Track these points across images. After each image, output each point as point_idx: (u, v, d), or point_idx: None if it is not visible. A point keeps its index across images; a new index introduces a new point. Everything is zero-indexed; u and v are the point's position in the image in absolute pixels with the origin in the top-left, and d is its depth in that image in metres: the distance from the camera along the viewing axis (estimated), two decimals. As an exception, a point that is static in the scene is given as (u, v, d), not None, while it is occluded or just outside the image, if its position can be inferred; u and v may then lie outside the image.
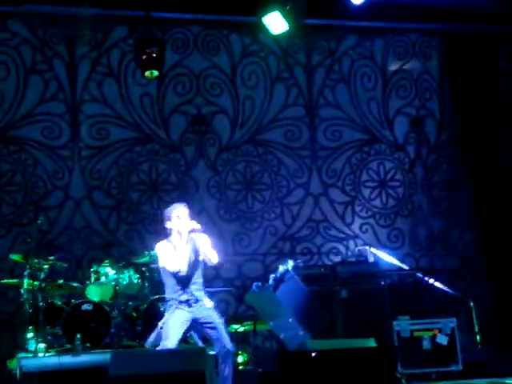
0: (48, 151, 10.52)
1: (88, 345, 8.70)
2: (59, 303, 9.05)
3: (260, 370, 6.08)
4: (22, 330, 9.39)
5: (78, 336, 8.61)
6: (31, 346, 8.60)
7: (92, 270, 9.49)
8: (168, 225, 7.30)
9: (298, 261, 7.72)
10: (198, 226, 7.15)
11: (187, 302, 7.13)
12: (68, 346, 8.74)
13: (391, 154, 11.71)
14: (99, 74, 10.79)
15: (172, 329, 7.02)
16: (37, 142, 10.50)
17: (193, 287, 7.18)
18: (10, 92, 10.50)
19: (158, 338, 7.06)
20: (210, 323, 7.11)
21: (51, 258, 9.28)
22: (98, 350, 8.70)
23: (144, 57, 10.15)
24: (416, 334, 9.07)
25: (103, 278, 9.38)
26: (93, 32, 10.78)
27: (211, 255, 7.15)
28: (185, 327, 7.09)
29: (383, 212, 11.55)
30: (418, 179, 11.72)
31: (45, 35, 10.64)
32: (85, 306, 8.97)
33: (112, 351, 7.63)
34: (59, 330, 8.88)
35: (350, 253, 11.12)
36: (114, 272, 9.43)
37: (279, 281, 7.31)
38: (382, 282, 9.39)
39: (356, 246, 11.19)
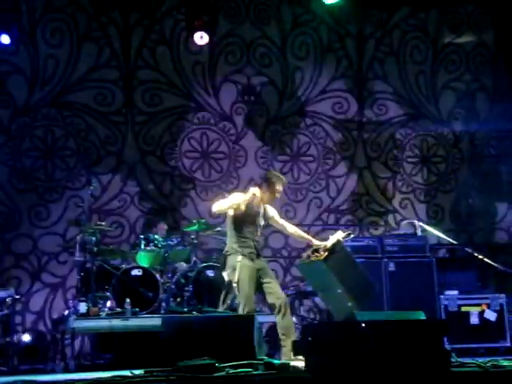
0: (101, 117, 10.62)
1: (137, 309, 8.83)
2: (110, 268, 9.17)
3: (310, 339, 6.12)
4: (74, 294, 9.61)
5: (128, 300, 8.76)
6: (82, 309, 8.75)
7: (142, 236, 9.63)
8: (261, 185, 7.55)
9: (349, 232, 7.71)
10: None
11: (249, 255, 7.31)
12: (118, 309, 8.89)
13: (435, 130, 11.56)
14: (152, 41, 10.83)
15: (245, 285, 7.24)
16: (90, 108, 10.59)
17: (255, 242, 7.37)
18: (64, 58, 10.58)
19: None
20: (266, 277, 7.38)
21: (103, 222, 9.43)
22: (146, 315, 8.85)
23: (195, 24, 10.21)
24: (464, 308, 9.04)
25: (153, 245, 9.48)
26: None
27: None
28: (255, 280, 7.33)
29: (423, 188, 11.46)
30: (464, 154, 11.56)
31: (100, 2, 10.70)
32: (134, 272, 9.09)
33: (161, 316, 7.72)
34: (109, 294, 9.03)
35: (388, 227, 11.11)
36: (163, 239, 9.54)
37: (330, 251, 7.32)
38: (430, 256, 9.36)
39: (395, 220, 11.17)
